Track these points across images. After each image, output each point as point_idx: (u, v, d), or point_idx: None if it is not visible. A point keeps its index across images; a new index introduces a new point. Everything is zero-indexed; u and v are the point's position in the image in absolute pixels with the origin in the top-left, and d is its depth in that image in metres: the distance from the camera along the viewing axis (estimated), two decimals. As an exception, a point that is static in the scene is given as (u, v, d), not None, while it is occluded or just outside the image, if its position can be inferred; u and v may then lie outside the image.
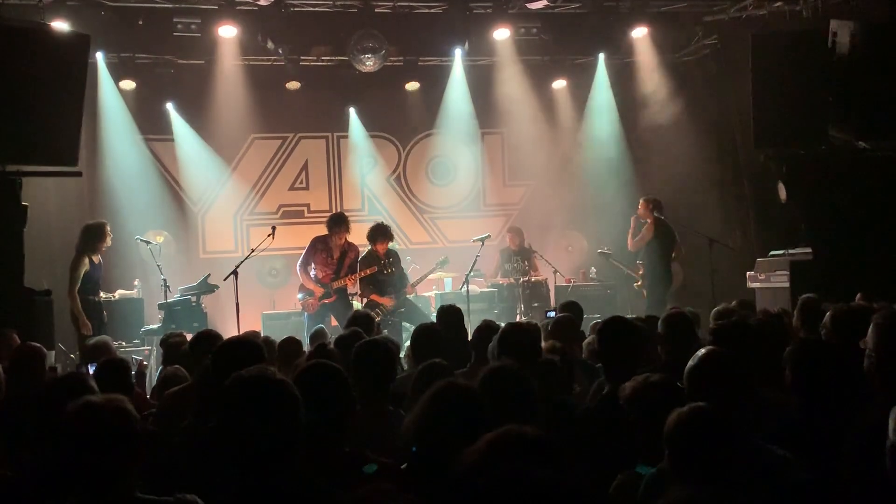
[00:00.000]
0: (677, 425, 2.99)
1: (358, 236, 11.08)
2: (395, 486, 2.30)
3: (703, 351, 3.59)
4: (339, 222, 10.28)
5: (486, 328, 5.92)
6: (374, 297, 10.31)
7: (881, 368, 3.72)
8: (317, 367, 3.51)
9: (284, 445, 2.78)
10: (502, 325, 6.35)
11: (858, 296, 7.19)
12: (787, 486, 3.03)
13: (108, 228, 9.71)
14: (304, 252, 10.45)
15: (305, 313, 10.41)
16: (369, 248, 10.49)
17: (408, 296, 10.74)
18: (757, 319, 6.01)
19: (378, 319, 9.91)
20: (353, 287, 10.52)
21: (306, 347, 6.76)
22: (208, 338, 5.46)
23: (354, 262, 10.38)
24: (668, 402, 3.23)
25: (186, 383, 5.07)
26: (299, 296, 10.48)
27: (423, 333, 5.77)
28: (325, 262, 10.28)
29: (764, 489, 3.00)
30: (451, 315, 6.84)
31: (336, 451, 3.30)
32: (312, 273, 10.34)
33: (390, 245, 10.65)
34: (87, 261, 9.44)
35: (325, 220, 10.66)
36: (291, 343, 6.27)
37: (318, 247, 10.34)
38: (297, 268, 10.49)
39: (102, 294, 9.94)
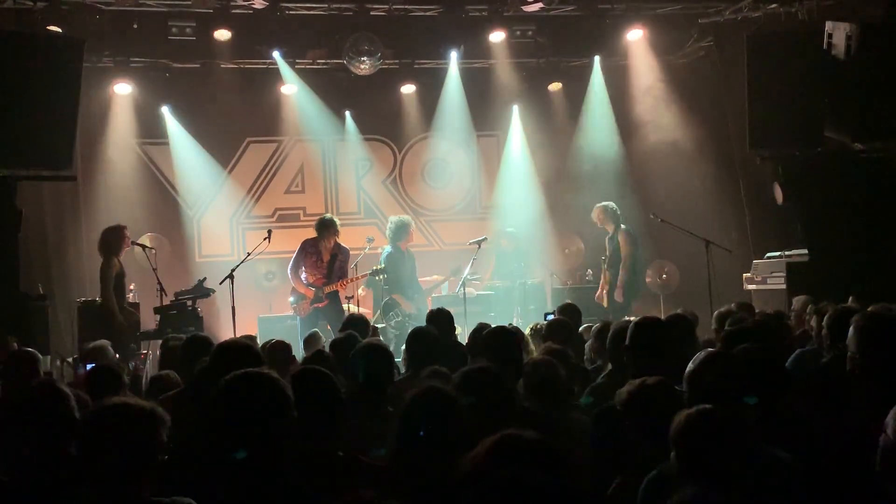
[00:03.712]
0: (685, 427, 2.98)
1: (355, 239, 11.06)
2: (377, 494, 2.30)
3: (703, 354, 3.58)
4: (327, 226, 10.29)
5: (482, 331, 5.90)
6: (396, 296, 10.33)
7: (863, 370, 3.72)
8: (306, 372, 3.51)
9: (275, 443, 2.77)
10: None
11: (851, 298, 7.19)
12: (789, 487, 3.04)
13: (127, 232, 9.95)
14: (293, 256, 10.45)
15: (298, 317, 10.39)
16: (392, 245, 10.49)
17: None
18: (755, 321, 6.01)
19: (398, 319, 10.04)
20: (345, 290, 10.51)
21: (299, 351, 6.74)
22: (200, 342, 5.45)
23: (344, 264, 10.37)
24: (666, 406, 3.22)
25: (181, 388, 5.04)
26: (291, 299, 10.48)
27: (418, 337, 5.76)
28: (315, 265, 10.26)
29: (768, 491, 3.00)
30: (440, 318, 6.83)
31: (329, 455, 3.29)
32: (303, 277, 10.33)
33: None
34: (116, 262, 9.71)
35: (321, 223, 10.65)
36: (280, 346, 6.21)
37: (308, 250, 10.33)
38: (289, 271, 10.52)
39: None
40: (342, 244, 10.47)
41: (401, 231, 10.86)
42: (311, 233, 10.66)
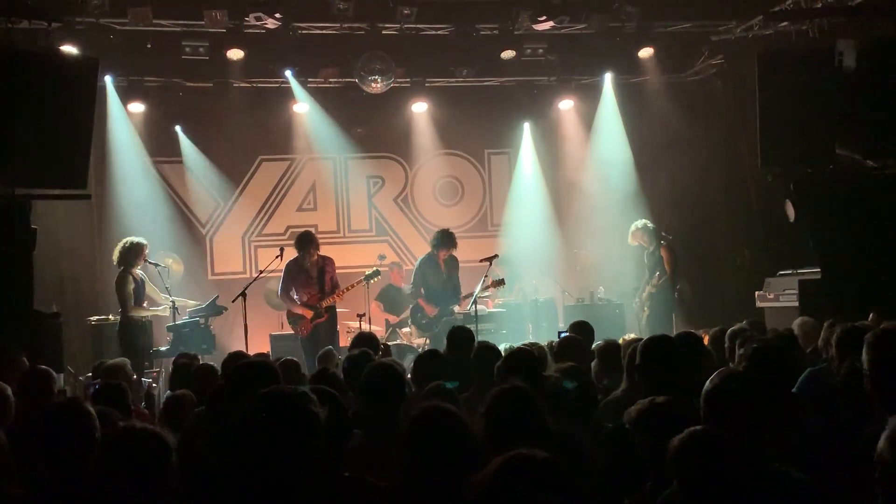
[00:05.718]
0: (677, 451, 2.98)
1: (366, 256, 11.02)
2: None
3: (720, 373, 3.55)
4: (308, 240, 10.19)
5: (486, 349, 5.88)
6: (420, 301, 10.34)
7: (876, 385, 3.71)
8: (312, 391, 3.51)
9: (301, 465, 2.77)
10: (503, 346, 6.32)
11: (872, 315, 7.13)
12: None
13: (147, 250, 10.07)
14: (281, 280, 10.39)
15: (300, 337, 10.32)
16: (430, 252, 10.59)
17: (457, 311, 10.75)
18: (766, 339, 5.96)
19: (426, 322, 10.51)
20: (342, 300, 10.47)
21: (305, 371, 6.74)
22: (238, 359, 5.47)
23: (334, 275, 10.30)
24: (676, 424, 3.21)
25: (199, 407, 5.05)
26: (290, 322, 10.44)
27: (425, 360, 5.75)
28: (306, 283, 10.16)
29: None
30: (462, 337, 6.80)
31: (335, 475, 3.28)
32: (296, 298, 10.23)
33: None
34: (131, 278, 9.79)
35: (332, 240, 10.67)
36: (290, 365, 6.21)
37: (294, 271, 10.20)
38: (280, 296, 10.44)
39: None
40: (325, 255, 10.42)
41: (436, 241, 10.85)
42: (323, 251, 10.55)
